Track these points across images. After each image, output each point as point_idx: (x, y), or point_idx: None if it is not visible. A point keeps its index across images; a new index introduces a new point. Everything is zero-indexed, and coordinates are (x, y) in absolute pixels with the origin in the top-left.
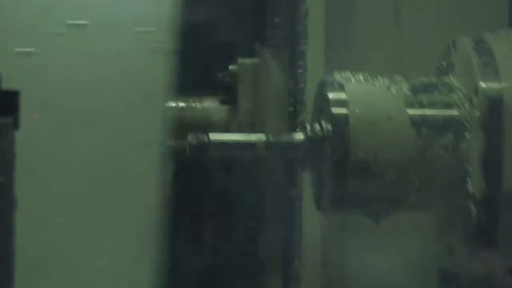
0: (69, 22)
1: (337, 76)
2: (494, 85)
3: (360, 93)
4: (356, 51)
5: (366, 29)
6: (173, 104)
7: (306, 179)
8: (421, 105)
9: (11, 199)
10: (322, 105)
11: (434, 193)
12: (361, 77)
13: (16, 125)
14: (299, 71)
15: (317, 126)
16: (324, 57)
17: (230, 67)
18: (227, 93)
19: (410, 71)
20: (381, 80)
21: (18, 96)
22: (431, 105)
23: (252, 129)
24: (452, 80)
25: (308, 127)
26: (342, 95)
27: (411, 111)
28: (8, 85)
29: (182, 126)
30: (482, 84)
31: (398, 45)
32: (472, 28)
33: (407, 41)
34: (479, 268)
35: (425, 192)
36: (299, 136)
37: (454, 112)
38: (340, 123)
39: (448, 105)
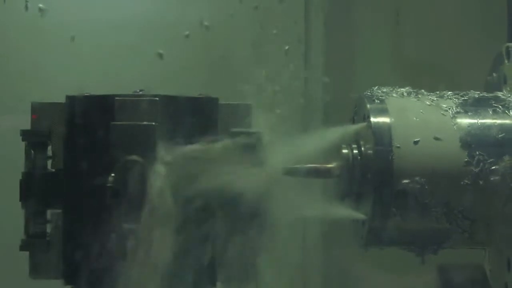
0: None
1: (377, 91)
2: None
3: (403, 110)
4: (356, 51)
5: (366, 29)
6: None
7: None
8: (473, 124)
9: None
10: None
11: (490, 226)
12: (403, 91)
13: None
14: None
15: (353, 149)
16: (324, 57)
17: None
18: None
19: (410, 70)
20: (426, 95)
21: None
22: (485, 123)
23: None
24: (506, 94)
25: (345, 150)
26: (383, 112)
27: (461, 131)
28: None
29: None
30: None
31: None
32: (472, 28)
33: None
34: None
35: (479, 225)
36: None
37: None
38: (380, 143)
39: (503, 124)
